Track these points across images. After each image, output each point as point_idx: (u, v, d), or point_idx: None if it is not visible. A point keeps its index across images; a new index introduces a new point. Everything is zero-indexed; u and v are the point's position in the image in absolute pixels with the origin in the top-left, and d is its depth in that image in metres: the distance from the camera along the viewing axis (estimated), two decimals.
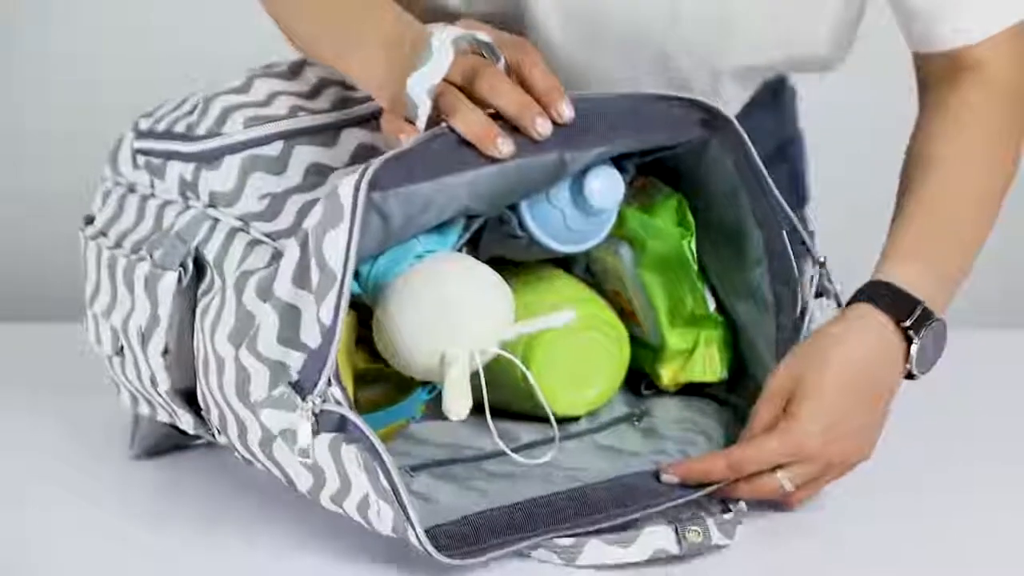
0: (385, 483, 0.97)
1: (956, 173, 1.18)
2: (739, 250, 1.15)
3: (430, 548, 0.97)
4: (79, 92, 2.16)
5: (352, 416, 0.97)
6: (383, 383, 1.17)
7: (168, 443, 1.22)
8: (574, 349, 1.17)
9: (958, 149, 1.19)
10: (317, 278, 0.97)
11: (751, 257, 1.14)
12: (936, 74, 1.22)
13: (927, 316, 1.10)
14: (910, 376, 1.11)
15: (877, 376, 1.10)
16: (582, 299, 1.19)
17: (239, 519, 1.11)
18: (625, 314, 1.21)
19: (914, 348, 1.09)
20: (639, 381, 1.23)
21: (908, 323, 1.09)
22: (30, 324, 1.67)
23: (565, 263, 1.24)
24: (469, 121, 1.00)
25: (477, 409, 1.05)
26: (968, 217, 1.18)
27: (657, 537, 1.01)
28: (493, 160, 1.00)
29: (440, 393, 1.12)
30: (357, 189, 0.96)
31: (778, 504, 1.09)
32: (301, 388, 0.98)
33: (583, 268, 1.24)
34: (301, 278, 0.99)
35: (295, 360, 0.99)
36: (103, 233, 1.19)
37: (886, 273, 1.12)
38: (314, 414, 0.97)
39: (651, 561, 1.01)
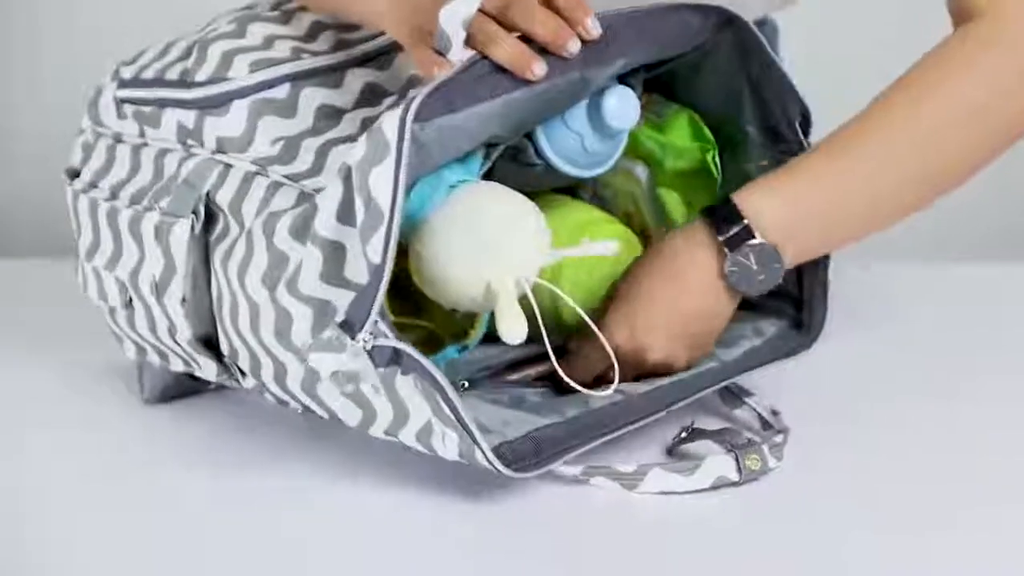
0: (447, 409, 0.98)
1: (882, 116, 1.12)
2: (735, 157, 1.18)
3: (500, 466, 0.99)
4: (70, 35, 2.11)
5: (406, 347, 0.98)
6: (413, 336, 1.18)
7: (180, 387, 1.21)
8: (602, 266, 1.17)
9: (904, 92, 1.13)
10: (363, 215, 0.97)
11: (750, 162, 1.17)
12: (953, 23, 1.17)
13: (747, 235, 1.09)
14: (747, 294, 1.11)
15: (687, 283, 1.11)
16: (602, 219, 1.20)
17: (256, 461, 1.12)
18: (639, 235, 1.23)
19: (727, 264, 1.10)
20: None
21: (722, 238, 1.10)
22: (29, 260, 1.64)
23: (571, 191, 1.24)
24: (504, 50, 1.01)
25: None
26: (877, 162, 1.11)
27: (718, 465, 1.03)
28: (525, 82, 1.02)
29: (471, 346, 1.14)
30: (403, 124, 0.96)
31: (816, 426, 1.11)
32: (350, 327, 0.98)
33: (590, 194, 1.25)
34: (345, 214, 0.99)
35: (339, 298, 0.99)
36: (94, 185, 1.17)
37: (739, 193, 1.11)
38: (366, 351, 0.98)
39: (713, 488, 1.03)
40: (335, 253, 0.99)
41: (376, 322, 0.97)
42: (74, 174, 1.20)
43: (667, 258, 1.12)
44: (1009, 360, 1.28)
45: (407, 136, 0.96)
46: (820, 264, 1.16)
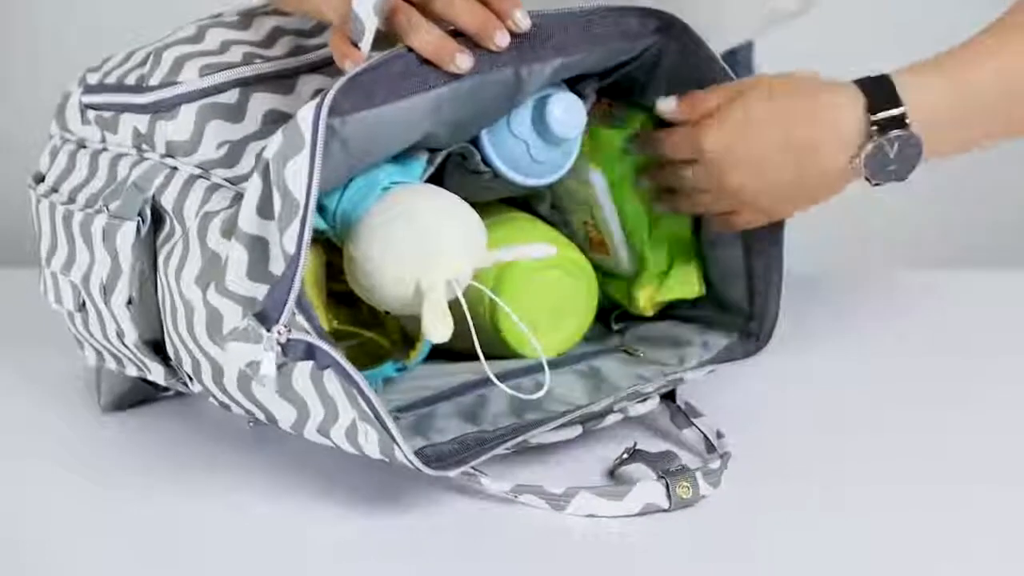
0: (364, 405, 0.97)
1: None
2: None
3: (417, 463, 0.97)
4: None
5: (319, 342, 0.96)
6: (354, 348, 1.17)
7: (136, 395, 1.21)
8: (541, 289, 1.16)
9: None
10: (280, 207, 0.96)
11: None
12: None
13: (899, 124, 1.07)
14: (868, 179, 1.08)
15: (812, 134, 1.08)
16: (547, 238, 1.18)
17: (211, 469, 1.11)
18: (593, 244, 1.21)
19: (870, 145, 1.07)
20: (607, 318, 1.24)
21: (876, 117, 1.07)
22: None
23: (528, 206, 1.23)
24: (425, 39, 1.00)
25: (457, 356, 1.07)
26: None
27: (648, 492, 1.01)
28: (452, 77, 1.00)
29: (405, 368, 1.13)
30: (317, 115, 0.95)
31: (763, 452, 1.10)
32: (265, 318, 0.97)
33: (548, 204, 1.23)
34: (265, 208, 0.98)
35: (264, 293, 0.99)
36: (55, 189, 1.18)
37: (902, 71, 1.08)
38: (280, 344, 0.97)
39: (641, 514, 1.01)
40: (258, 248, 0.98)
41: (294, 314, 0.96)
42: (39, 179, 1.21)
43: (806, 117, 1.08)
44: (964, 381, 1.26)
45: (322, 126, 0.95)
46: (774, 275, 1.14)
